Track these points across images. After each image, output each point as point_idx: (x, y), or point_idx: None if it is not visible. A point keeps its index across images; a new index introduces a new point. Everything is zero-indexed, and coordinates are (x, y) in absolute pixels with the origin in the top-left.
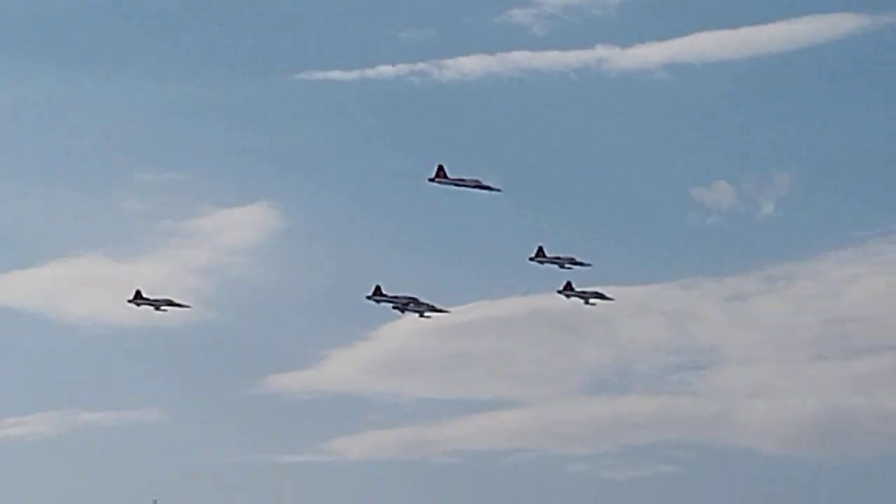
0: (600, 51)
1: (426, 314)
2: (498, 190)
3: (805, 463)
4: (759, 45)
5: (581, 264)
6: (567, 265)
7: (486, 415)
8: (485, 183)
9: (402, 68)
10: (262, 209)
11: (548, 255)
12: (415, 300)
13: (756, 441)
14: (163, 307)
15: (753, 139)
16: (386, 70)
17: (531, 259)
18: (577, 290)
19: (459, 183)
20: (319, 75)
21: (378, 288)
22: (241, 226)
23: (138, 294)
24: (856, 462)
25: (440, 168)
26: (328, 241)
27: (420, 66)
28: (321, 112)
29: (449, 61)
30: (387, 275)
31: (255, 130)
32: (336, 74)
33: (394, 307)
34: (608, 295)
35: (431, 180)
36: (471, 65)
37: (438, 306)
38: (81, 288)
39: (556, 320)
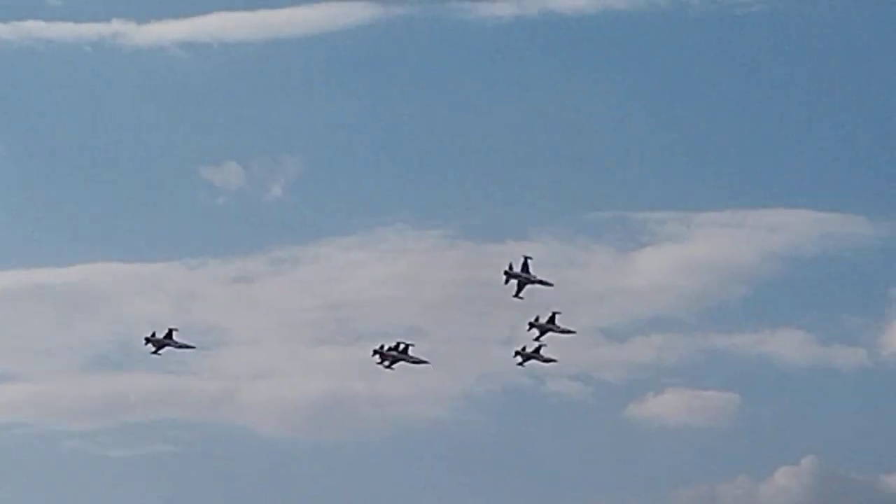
0: (116, 25)
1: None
2: (551, 284)
3: (303, 444)
4: (275, 28)
5: None
6: None
7: None
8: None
9: None
10: None
11: None
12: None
13: (257, 422)
14: None
15: (266, 122)
16: None
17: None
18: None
19: (532, 280)
20: None
21: None
22: None
23: None
24: (352, 444)
25: (525, 264)
26: None
27: None
28: None
29: None
30: None
31: None
32: None
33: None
34: None
35: (508, 272)
36: None
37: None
38: None
39: (59, 295)
